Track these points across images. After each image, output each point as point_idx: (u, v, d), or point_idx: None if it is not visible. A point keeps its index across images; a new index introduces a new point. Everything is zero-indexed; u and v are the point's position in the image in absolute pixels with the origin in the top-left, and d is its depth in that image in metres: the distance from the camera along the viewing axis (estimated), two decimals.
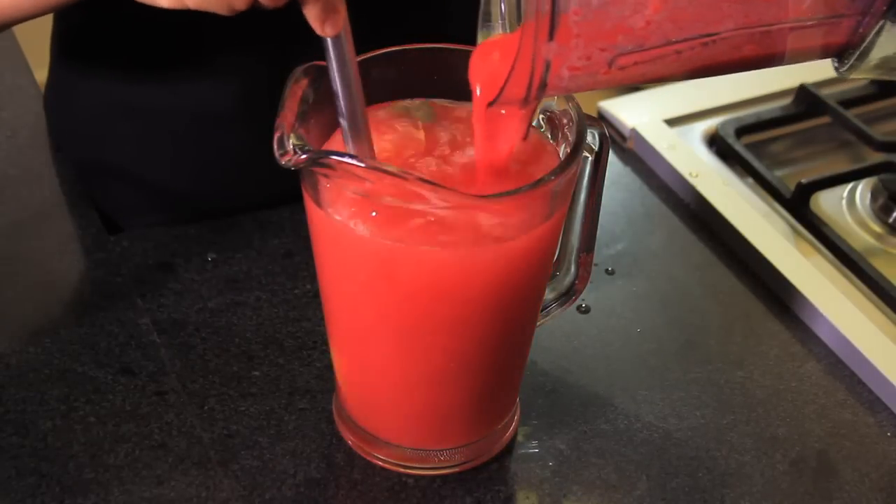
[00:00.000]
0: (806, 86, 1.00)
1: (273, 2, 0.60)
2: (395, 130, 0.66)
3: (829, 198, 0.93)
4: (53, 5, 0.71)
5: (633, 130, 0.97)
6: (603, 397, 0.76)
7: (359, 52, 0.61)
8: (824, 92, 1.00)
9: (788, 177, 0.94)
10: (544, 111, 0.66)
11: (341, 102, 0.60)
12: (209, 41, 0.84)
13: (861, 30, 0.57)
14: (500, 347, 0.67)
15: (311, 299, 0.80)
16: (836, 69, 0.59)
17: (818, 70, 1.04)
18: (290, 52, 0.65)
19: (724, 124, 0.98)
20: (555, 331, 0.79)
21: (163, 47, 0.85)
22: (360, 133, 0.61)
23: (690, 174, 0.92)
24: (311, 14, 0.59)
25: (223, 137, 0.88)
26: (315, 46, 0.63)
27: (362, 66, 0.61)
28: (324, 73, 0.63)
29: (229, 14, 0.60)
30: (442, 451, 0.70)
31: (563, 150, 0.64)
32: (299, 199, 0.64)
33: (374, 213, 0.59)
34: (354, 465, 0.70)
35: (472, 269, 0.60)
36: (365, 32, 0.63)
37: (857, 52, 0.57)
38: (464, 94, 0.61)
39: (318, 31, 0.59)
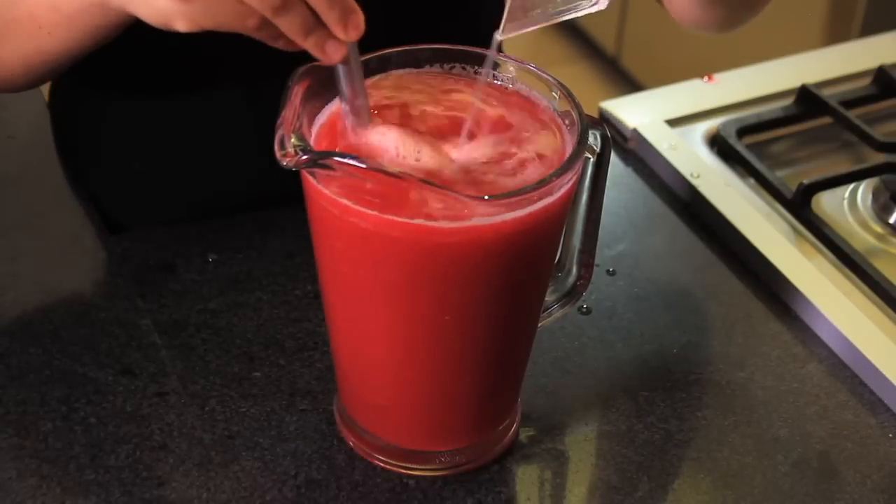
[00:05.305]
0: (807, 86, 1.00)
1: (288, 46, 0.60)
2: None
3: (831, 198, 0.92)
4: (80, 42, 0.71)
5: (635, 131, 0.97)
6: (604, 398, 0.76)
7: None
8: (826, 92, 1.00)
9: (790, 177, 0.94)
10: None
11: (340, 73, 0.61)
12: (210, 47, 0.84)
13: None
14: (502, 342, 0.67)
15: (312, 300, 0.80)
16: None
17: (820, 70, 1.04)
18: (292, 55, 0.65)
19: (725, 125, 0.97)
20: (556, 332, 0.79)
21: (164, 54, 0.85)
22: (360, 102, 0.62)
23: (692, 175, 0.92)
24: (332, 18, 0.59)
25: (224, 138, 0.88)
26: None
27: None
28: (322, 73, 0.63)
29: (244, 31, 0.60)
30: (443, 452, 0.70)
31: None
32: (300, 200, 0.64)
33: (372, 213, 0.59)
34: (355, 466, 0.70)
35: (474, 246, 0.60)
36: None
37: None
38: None
39: (342, 35, 0.59)
